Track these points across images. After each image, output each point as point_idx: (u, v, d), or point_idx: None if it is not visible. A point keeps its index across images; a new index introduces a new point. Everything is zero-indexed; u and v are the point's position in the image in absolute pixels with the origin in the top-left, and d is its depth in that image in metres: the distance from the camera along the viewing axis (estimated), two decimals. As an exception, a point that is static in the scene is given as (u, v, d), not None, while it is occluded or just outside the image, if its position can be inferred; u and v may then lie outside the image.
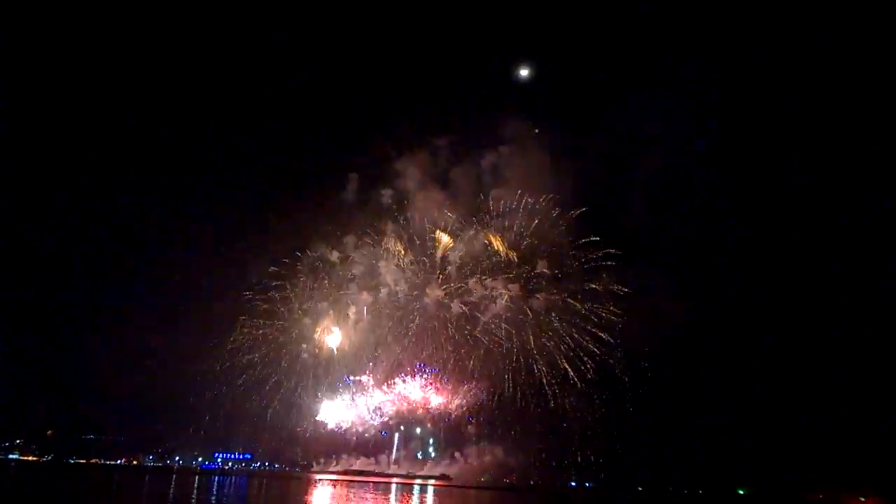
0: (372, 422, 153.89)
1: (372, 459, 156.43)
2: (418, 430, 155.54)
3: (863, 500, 71.03)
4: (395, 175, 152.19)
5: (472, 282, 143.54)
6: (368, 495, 68.04)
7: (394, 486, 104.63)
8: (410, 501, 66.48)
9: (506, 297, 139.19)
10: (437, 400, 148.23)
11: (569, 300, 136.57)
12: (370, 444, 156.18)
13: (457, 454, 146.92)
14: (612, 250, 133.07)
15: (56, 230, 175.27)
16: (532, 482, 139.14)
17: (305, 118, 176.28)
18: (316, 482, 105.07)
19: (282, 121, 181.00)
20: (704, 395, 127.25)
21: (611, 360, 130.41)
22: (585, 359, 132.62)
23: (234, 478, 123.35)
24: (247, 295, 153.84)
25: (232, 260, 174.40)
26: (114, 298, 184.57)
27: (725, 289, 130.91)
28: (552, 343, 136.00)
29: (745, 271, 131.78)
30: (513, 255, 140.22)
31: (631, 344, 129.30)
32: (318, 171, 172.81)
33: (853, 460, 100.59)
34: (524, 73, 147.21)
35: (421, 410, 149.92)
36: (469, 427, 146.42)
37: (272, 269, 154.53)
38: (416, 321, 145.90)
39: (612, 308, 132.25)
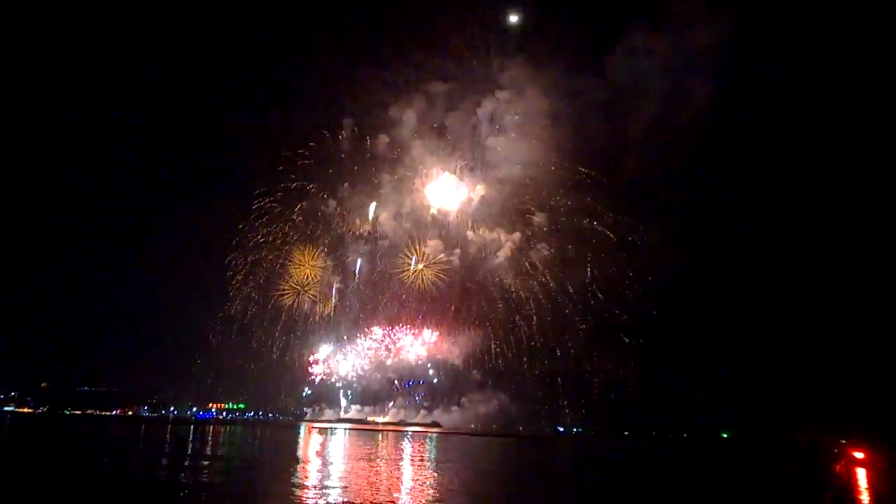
0: (371, 371, 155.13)
1: (366, 408, 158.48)
2: (414, 380, 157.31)
3: (843, 441, 72.97)
4: (390, 122, 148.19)
5: (469, 233, 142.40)
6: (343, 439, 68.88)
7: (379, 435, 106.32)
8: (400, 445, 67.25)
9: (505, 248, 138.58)
10: (436, 350, 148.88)
11: (567, 251, 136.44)
12: (367, 393, 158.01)
13: (463, 399, 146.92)
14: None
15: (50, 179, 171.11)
16: (521, 428, 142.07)
17: (299, 63, 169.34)
18: (313, 430, 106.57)
19: (276, 67, 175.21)
20: (690, 343, 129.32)
21: (605, 314, 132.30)
22: (580, 309, 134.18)
23: (229, 427, 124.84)
24: (242, 249, 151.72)
25: (226, 214, 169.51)
26: (107, 254, 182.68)
27: (718, 236, 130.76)
28: (549, 293, 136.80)
29: (740, 219, 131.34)
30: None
31: (624, 294, 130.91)
32: (312, 116, 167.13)
33: (836, 404, 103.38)
34: (521, 15, 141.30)
35: (420, 360, 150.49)
36: (473, 373, 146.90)
37: (266, 219, 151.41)
38: (415, 272, 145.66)
39: (606, 258, 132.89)
